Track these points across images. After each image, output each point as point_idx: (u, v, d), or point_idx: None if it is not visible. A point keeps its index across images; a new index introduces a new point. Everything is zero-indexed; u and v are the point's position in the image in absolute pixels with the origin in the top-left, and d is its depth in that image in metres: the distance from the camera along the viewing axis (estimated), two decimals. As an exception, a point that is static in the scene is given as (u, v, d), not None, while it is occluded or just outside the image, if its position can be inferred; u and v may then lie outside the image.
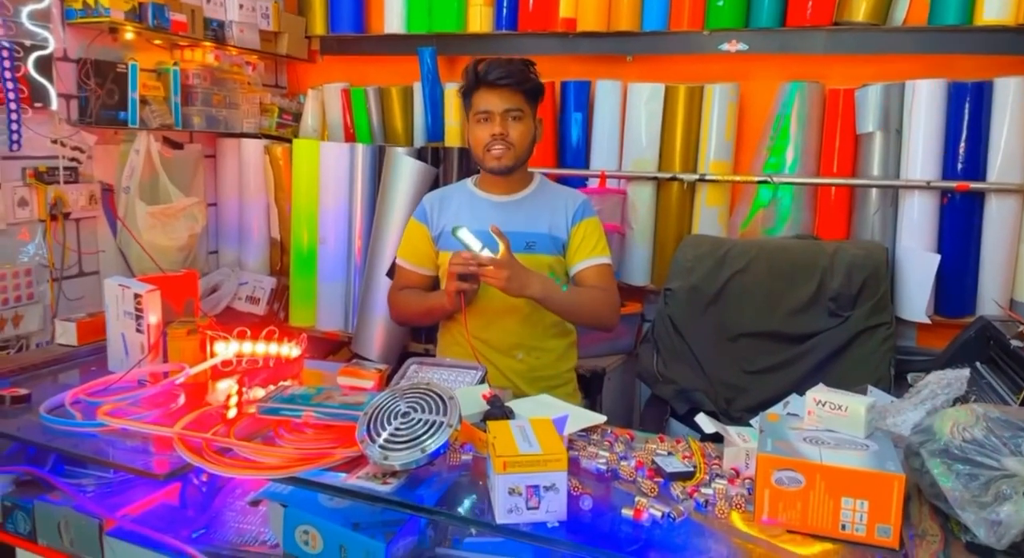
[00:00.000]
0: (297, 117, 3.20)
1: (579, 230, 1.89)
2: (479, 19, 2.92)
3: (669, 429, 2.34)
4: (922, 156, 2.40)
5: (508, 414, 1.36)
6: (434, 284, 1.97)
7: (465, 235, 1.69)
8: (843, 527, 1.03)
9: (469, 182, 1.98)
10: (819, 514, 1.04)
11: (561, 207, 1.90)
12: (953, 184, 2.37)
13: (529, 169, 1.97)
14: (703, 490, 1.15)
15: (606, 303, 1.87)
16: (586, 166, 2.83)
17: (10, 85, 2.10)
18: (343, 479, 1.19)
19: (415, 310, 1.94)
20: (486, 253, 1.66)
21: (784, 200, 2.61)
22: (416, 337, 2.90)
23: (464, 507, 1.14)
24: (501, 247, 1.67)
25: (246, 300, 2.97)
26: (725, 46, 2.63)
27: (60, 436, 1.36)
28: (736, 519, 1.10)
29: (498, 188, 1.91)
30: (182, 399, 1.45)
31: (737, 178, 2.64)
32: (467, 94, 1.86)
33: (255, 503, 1.42)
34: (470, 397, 1.39)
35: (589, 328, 1.96)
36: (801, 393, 2.36)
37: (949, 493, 1.02)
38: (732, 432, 1.26)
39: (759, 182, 2.59)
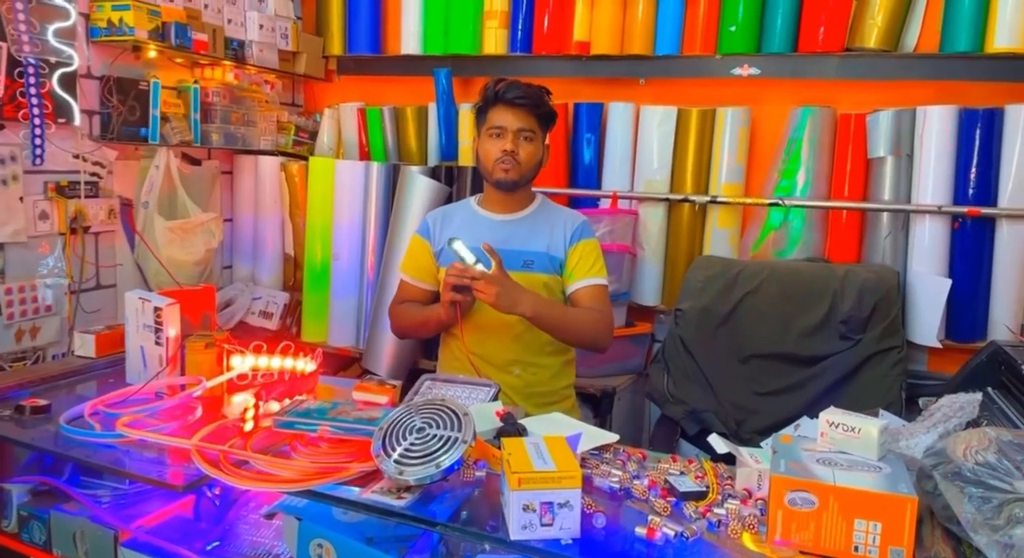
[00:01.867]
0: (313, 135, 3.25)
1: (576, 250, 1.90)
2: (494, 41, 2.96)
3: (679, 450, 2.34)
4: (933, 181, 2.41)
5: (521, 431, 1.37)
6: (434, 299, 2.00)
7: (459, 246, 1.72)
8: (856, 549, 1.03)
9: (472, 200, 2.01)
10: (832, 536, 1.05)
11: (560, 227, 1.92)
12: (964, 209, 2.38)
13: (535, 189, 2.00)
14: (716, 510, 1.15)
15: (599, 324, 1.87)
16: (598, 186, 2.85)
17: (35, 101, 2.14)
18: (358, 493, 1.20)
19: (413, 321, 1.96)
20: (479, 267, 1.68)
21: (795, 223, 2.62)
22: (427, 354, 2.91)
23: (477, 523, 1.14)
24: (493, 264, 1.69)
25: (259, 315, 2.99)
26: (737, 70, 2.66)
27: (79, 446, 1.37)
28: (748, 540, 1.10)
29: (500, 206, 1.94)
30: (199, 412, 1.47)
31: (749, 200, 2.66)
32: (482, 110, 1.89)
33: (270, 516, 1.43)
34: (483, 414, 1.41)
35: (582, 348, 1.97)
36: (812, 416, 2.36)
37: (962, 516, 1.02)
38: (745, 453, 1.27)
39: (770, 204, 2.61)
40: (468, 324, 1.84)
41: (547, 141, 1.92)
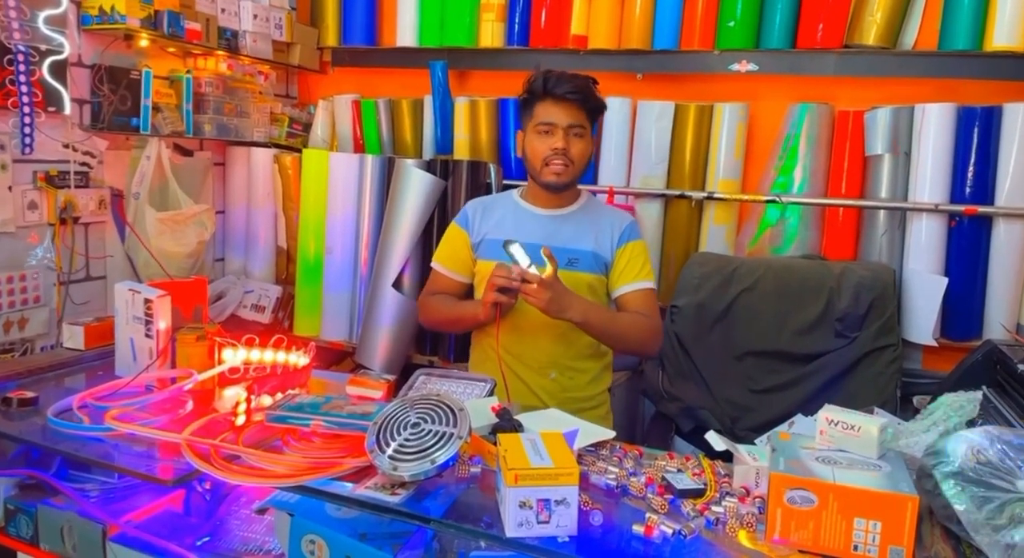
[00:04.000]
0: (307, 127, 3.22)
1: (624, 252, 1.85)
2: (491, 34, 2.94)
3: (674, 446, 2.33)
4: (931, 179, 2.41)
5: (517, 427, 1.35)
6: (468, 291, 1.93)
7: (516, 250, 1.64)
8: (855, 548, 1.02)
9: (515, 193, 1.95)
10: (831, 535, 1.04)
11: (607, 227, 1.86)
12: (961, 208, 2.37)
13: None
14: (714, 508, 1.14)
15: (647, 329, 1.81)
16: (594, 181, 2.83)
17: (24, 89, 2.11)
18: (351, 489, 1.18)
19: (446, 316, 1.91)
20: (533, 270, 1.61)
21: (792, 220, 2.61)
22: (420, 348, 2.90)
23: (472, 520, 1.13)
24: (549, 268, 1.62)
25: (251, 308, 2.97)
26: (735, 66, 2.65)
27: (67, 440, 1.35)
28: (747, 538, 1.09)
29: (545, 202, 1.88)
30: (190, 405, 1.44)
31: (745, 197, 2.65)
32: (528, 104, 1.82)
33: (261, 511, 1.41)
34: (479, 409, 1.39)
35: (629, 354, 1.92)
36: (807, 413, 2.36)
37: (963, 515, 1.01)
38: (742, 450, 1.26)
39: (767, 201, 2.59)
40: (506, 323, 1.78)
41: (594, 133, 1.85)
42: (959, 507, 1.02)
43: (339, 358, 3.07)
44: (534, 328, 1.79)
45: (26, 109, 2.12)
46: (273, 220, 3.06)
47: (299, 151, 3.03)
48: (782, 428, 2.30)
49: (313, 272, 2.96)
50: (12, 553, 1.53)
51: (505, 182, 2.85)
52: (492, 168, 2.79)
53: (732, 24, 2.61)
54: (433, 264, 1.97)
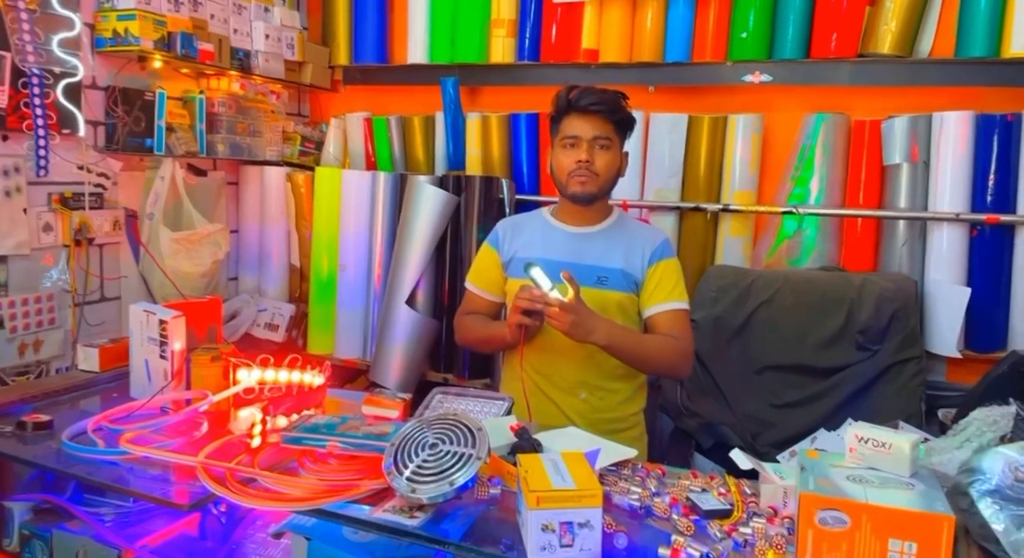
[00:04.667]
0: (319, 145, 3.22)
1: (656, 271, 1.80)
2: (501, 50, 2.94)
3: (694, 464, 2.29)
4: (950, 188, 2.37)
5: (536, 447, 1.33)
6: (501, 310, 1.92)
7: (537, 274, 1.61)
8: (890, 570, 0.99)
9: (545, 211, 1.92)
10: (865, 556, 1.00)
11: (639, 245, 1.81)
12: (983, 216, 2.33)
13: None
14: (741, 529, 1.11)
15: (675, 352, 1.76)
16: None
17: (39, 112, 2.12)
18: (369, 512, 1.16)
19: (477, 336, 1.89)
20: (555, 294, 1.59)
21: (810, 231, 2.58)
22: (435, 365, 2.88)
23: (492, 543, 1.10)
24: (570, 292, 1.59)
25: (265, 327, 2.96)
26: (748, 77, 2.63)
27: (81, 463, 1.34)
28: (777, 560, 1.06)
29: (575, 219, 1.85)
30: (205, 427, 1.43)
31: (762, 209, 2.62)
32: (555, 120, 1.81)
33: (278, 535, 1.39)
34: (497, 429, 1.37)
35: (657, 376, 1.87)
36: (829, 428, 2.31)
37: (1001, 535, 0.98)
38: (769, 469, 1.22)
39: (784, 213, 2.57)
40: (534, 343, 1.76)
41: (625, 148, 1.83)
42: (997, 527, 0.98)
43: (353, 376, 3.06)
44: (562, 348, 1.75)
45: (41, 131, 2.13)
46: (286, 238, 3.06)
47: (311, 169, 3.03)
48: (804, 444, 2.27)
49: (326, 290, 2.95)
50: (27, 579, 1.52)
51: (517, 197, 2.84)
52: (505, 183, 2.78)
53: (744, 35, 2.59)
54: (466, 284, 1.96)
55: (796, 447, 2.24)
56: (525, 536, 1.06)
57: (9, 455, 1.41)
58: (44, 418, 1.47)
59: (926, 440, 1.37)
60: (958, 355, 2.38)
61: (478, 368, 2.81)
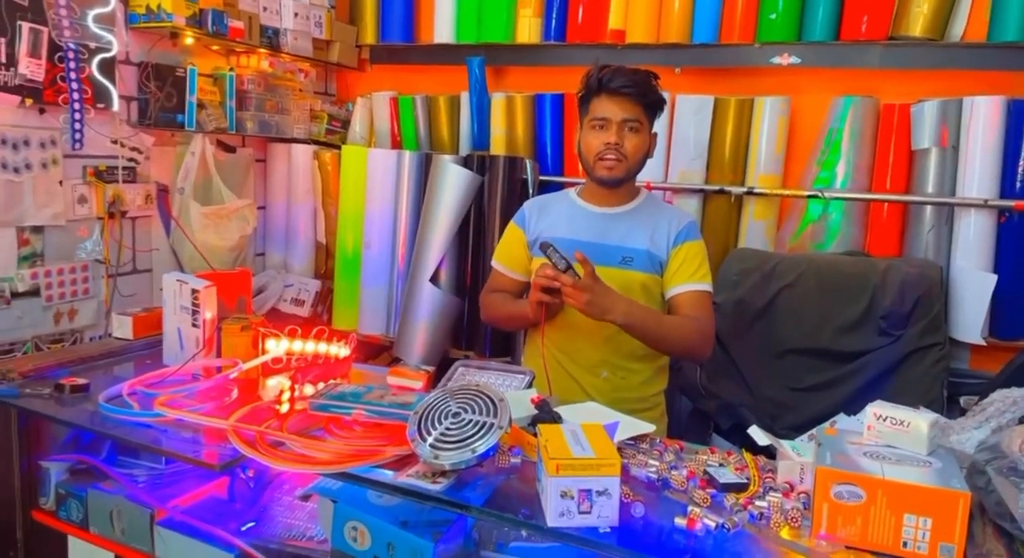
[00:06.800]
0: (345, 124, 3.25)
1: (680, 252, 1.80)
2: (528, 30, 2.94)
3: (712, 444, 2.30)
4: (979, 174, 2.34)
5: (557, 419, 1.35)
6: (526, 289, 1.92)
7: (551, 253, 1.62)
8: (904, 545, 1.00)
9: (572, 191, 1.93)
10: (880, 531, 1.02)
11: (664, 225, 1.81)
12: (1012, 203, 2.31)
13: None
14: (757, 502, 1.13)
15: (696, 333, 1.75)
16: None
17: (75, 86, 2.16)
18: (393, 477, 1.19)
19: (502, 314, 1.92)
20: (570, 273, 1.59)
21: (835, 215, 2.57)
22: (457, 343, 2.91)
23: (512, 510, 1.13)
24: (583, 272, 1.59)
25: (291, 302, 3.01)
26: (777, 59, 2.61)
27: (117, 425, 1.38)
28: (791, 533, 1.08)
29: (601, 199, 1.85)
30: (235, 393, 1.47)
31: (787, 192, 2.61)
32: (584, 100, 1.80)
33: (305, 498, 1.43)
34: (518, 401, 1.39)
35: (677, 357, 1.88)
36: (849, 413, 2.31)
37: (1018, 513, 0.99)
38: (786, 445, 1.24)
39: (809, 197, 2.55)
40: (557, 321, 1.77)
41: (654, 130, 1.81)
42: (1014, 504, 0.99)
43: (377, 352, 3.10)
44: (584, 328, 1.76)
45: (76, 105, 2.18)
46: (312, 215, 3.10)
47: (338, 148, 3.07)
48: (824, 427, 2.27)
49: (351, 267, 2.99)
50: (63, 536, 1.57)
51: (541, 178, 2.85)
52: (528, 164, 2.80)
53: (774, 16, 2.57)
54: (492, 262, 1.98)
55: (814, 430, 2.24)
56: (544, 502, 1.08)
57: (48, 416, 1.47)
58: (81, 381, 1.52)
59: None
60: (982, 342, 2.37)
61: (499, 346, 2.83)
